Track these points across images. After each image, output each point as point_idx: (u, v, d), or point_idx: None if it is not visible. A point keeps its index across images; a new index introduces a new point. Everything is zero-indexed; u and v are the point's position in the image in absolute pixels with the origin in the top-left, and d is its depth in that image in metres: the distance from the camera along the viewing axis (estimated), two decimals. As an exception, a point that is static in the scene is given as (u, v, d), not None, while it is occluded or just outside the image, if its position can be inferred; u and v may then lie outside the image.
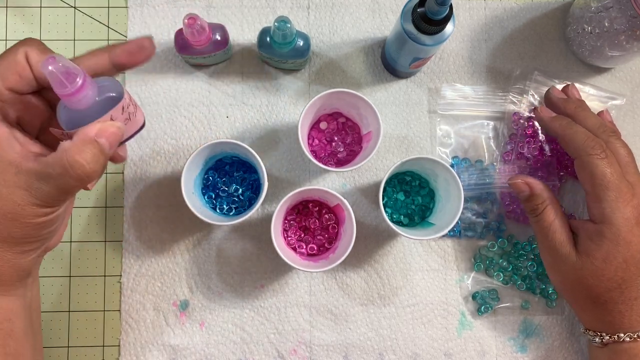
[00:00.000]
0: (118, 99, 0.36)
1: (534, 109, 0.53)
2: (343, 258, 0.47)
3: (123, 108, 0.37)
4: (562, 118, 0.50)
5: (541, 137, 0.55)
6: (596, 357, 0.49)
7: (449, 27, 0.46)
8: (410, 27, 0.46)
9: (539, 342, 0.56)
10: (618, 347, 0.46)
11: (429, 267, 0.56)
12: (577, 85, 0.56)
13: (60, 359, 0.54)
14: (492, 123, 0.57)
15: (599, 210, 0.46)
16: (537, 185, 0.49)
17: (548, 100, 0.53)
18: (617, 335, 0.46)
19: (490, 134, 0.57)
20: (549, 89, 0.54)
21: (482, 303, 0.55)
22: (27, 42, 0.36)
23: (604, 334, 0.47)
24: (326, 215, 0.54)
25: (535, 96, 0.56)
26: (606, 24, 0.50)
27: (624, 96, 0.57)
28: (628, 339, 0.46)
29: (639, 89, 0.59)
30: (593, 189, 0.46)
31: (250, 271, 0.55)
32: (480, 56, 0.58)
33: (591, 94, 0.57)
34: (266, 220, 0.56)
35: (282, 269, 0.55)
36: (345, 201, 0.48)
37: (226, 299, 0.55)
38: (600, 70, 0.59)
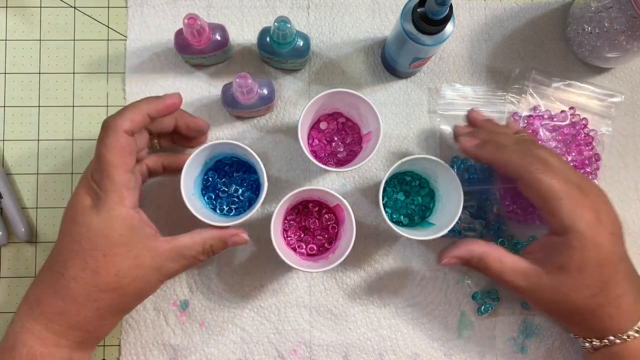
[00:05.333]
0: (270, 100, 0.52)
1: (456, 139, 0.51)
2: (343, 258, 0.47)
3: (272, 106, 0.54)
4: (486, 143, 0.48)
5: (541, 135, 0.55)
6: None
7: (449, 27, 0.46)
8: (410, 27, 0.46)
9: (539, 342, 0.56)
10: (609, 351, 0.46)
11: (429, 267, 0.56)
12: (577, 84, 0.57)
13: (60, 359, 0.54)
14: (492, 123, 0.57)
15: (558, 223, 0.44)
16: (461, 250, 0.47)
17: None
18: (608, 339, 0.45)
19: (490, 134, 0.57)
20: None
21: (482, 303, 0.55)
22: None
23: (594, 340, 0.46)
24: (326, 215, 0.54)
25: (534, 95, 0.57)
26: (606, 24, 0.50)
27: (622, 93, 0.57)
28: (618, 341, 0.45)
29: (639, 89, 0.59)
30: (546, 204, 0.44)
31: (250, 271, 0.55)
32: (480, 56, 0.58)
33: (590, 93, 0.57)
34: (266, 220, 0.56)
35: (282, 269, 0.55)
36: (345, 201, 0.48)
37: (226, 299, 0.55)
38: (600, 70, 0.59)
